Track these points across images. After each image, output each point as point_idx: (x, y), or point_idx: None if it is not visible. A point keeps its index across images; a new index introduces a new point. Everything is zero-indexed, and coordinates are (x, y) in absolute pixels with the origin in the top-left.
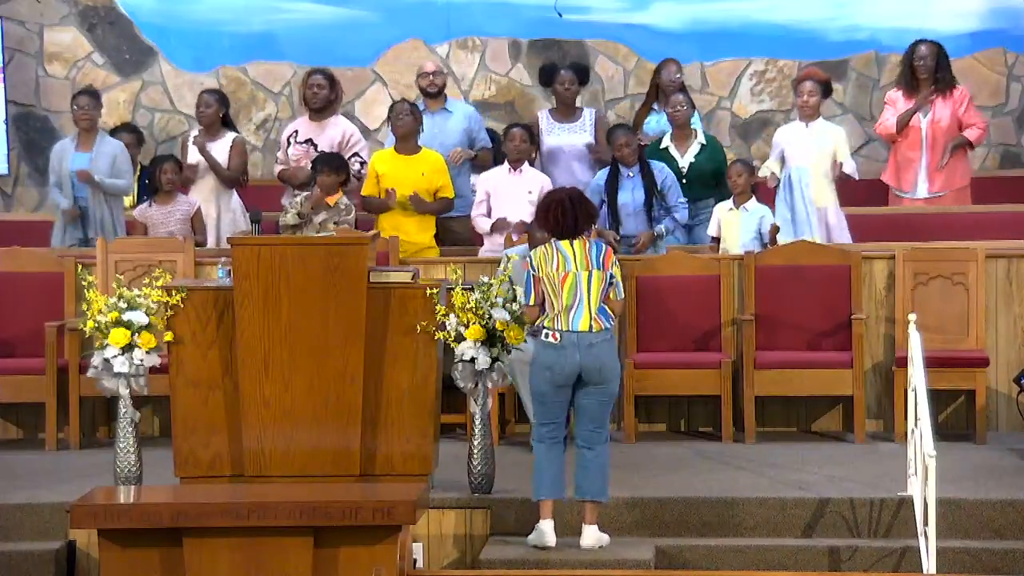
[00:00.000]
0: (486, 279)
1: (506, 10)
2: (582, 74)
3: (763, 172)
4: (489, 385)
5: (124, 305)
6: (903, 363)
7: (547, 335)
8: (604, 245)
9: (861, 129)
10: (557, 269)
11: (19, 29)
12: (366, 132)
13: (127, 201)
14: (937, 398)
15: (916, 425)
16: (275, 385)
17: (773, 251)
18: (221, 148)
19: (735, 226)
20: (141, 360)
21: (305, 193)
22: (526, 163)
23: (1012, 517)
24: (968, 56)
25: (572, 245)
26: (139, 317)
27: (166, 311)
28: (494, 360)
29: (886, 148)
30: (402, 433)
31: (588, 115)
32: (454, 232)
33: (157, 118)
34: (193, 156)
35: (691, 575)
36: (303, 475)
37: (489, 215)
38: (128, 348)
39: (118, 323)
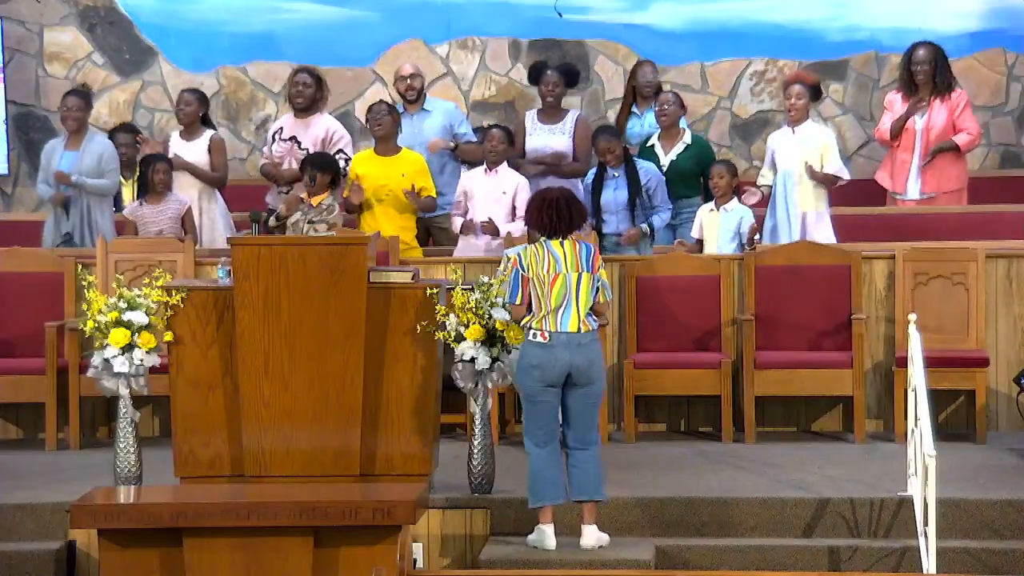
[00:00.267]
0: (486, 279)
1: (506, 10)
2: (570, 76)
3: (761, 181)
4: (489, 385)
5: (124, 305)
6: (903, 363)
7: (535, 335)
8: (593, 247)
9: (861, 129)
10: (547, 270)
11: (19, 29)
12: (366, 132)
13: (127, 196)
14: (937, 398)
15: (916, 425)
16: (275, 385)
17: (773, 251)
18: (199, 147)
19: (714, 227)
20: (141, 360)
21: (294, 195)
22: (504, 164)
23: (1012, 517)
24: (968, 56)
25: (563, 246)
26: (139, 317)
27: (166, 311)
28: (494, 360)
29: (886, 149)
30: (402, 433)
31: (571, 118)
32: (447, 231)
33: (157, 118)
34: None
35: (691, 575)
36: (303, 475)
37: (465, 215)
38: (128, 348)
39: (118, 323)
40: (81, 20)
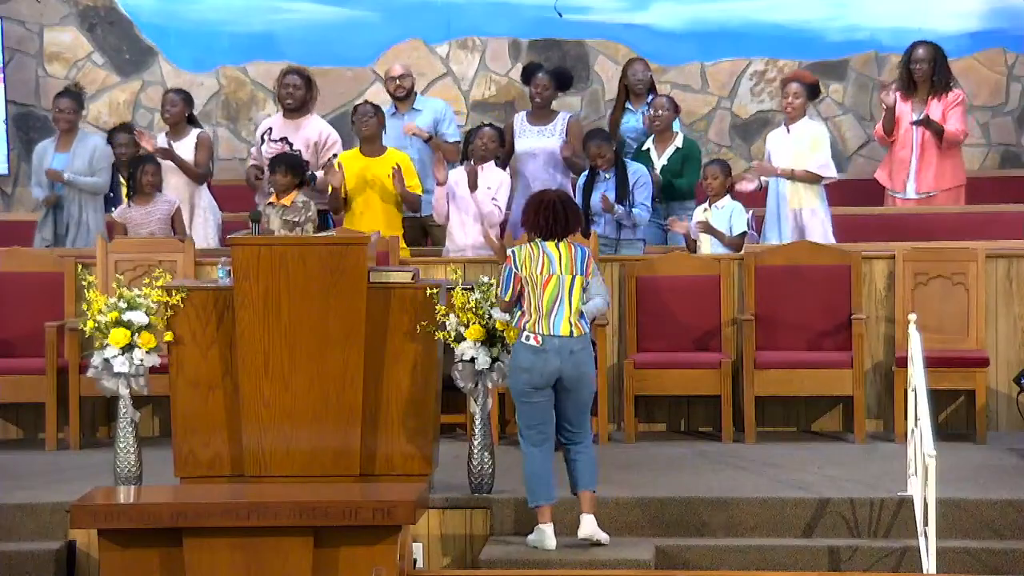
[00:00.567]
0: (486, 279)
1: (506, 10)
2: (562, 80)
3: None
4: (489, 385)
5: (124, 305)
6: (903, 363)
7: (528, 337)
8: (588, 250)
9: (861, 129)
10: (541, 271)
11: (19, 29)
12: None
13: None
14: (937, 398)
15: (916, 425)
16: (275, 385)
17: (773, 251)
18: (187, 146)
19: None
20: (141, 360)
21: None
22: (492, 162)
23: (1012, 517)
24: (968, 56)
25: (558, 247)
26: (139, 317)
27: (166, 311)
28: (494, 360)
29: (886, 148)
30: (402, 433)
31: (561, 120)
32: (443, 229)
33: (157, 118)
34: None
35: (691, 575)
36: (303, 475)
37: (447, 212)
38: (128, 348)
39: (118, 323)
40: (81, 20)
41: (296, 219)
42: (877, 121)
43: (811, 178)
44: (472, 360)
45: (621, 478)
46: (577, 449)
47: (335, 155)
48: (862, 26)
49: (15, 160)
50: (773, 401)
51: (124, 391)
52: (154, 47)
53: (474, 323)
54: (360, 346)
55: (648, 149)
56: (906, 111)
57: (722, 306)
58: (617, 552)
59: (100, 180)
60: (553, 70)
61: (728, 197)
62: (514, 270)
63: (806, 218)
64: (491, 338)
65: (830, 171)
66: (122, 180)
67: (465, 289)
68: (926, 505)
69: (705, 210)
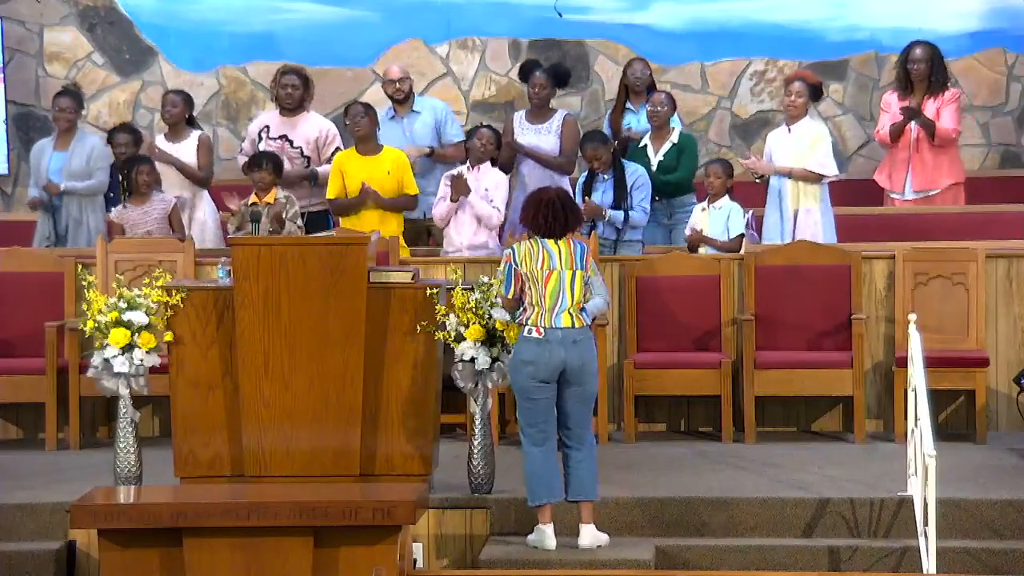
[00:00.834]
0: (486, 279)
1: (506, 10)
2: (559, 78)
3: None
4: (489, 385)
5: (124, 305)
6: (903, 363)
7: (531, 331)
8: (587, 246)
9: (861, 129)
10: (541, 267)
11: (19, 29)
12: None
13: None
14: (937, 398)
15: (916, 425)
16: (275, 385)
17: (773, 251)
18: (187, 147)
19: (705, 224)
20: (141, 360)
21: (244, 200)
22: (488, 163)
23: (1012, 517)
24: (968, 56)
25: (558, 243)
26: (139, 317)
27: (166, 311)
28: (494, 360)
29: (886, 148)
30: (402, 433)
31: (558, 118)
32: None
33: (157, 118)
34: (160, 158)
35: (691, 575)
36: (303, 475)
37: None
38: (128, 348)
39: (118, 323)
40: (81, 20)
41: (283, 214)
42: (877, 121)
43: (811, 177)
44: (472, 360)
45: (621, 478)
46: (579, 456)
47: (337, 149)
48: (862, 26)
49: (15, 160)
50: (773, 401)
51: (124, 391)
52: (154, 47)
53: (474, 323)
54: (360, 346)
55: (645, 145)
56: (909, 119)
57: (722, 306)
58: (617, 552)
59: (96, 182)
60: (550, 67)
61: (727, 197)
62: (514, 266)
63: (807, 218)
64: (491, 338)
65: (830, 169)
66: (122, 180)
67: (465, 289)
68: (926, 505)
69: (703, 209)
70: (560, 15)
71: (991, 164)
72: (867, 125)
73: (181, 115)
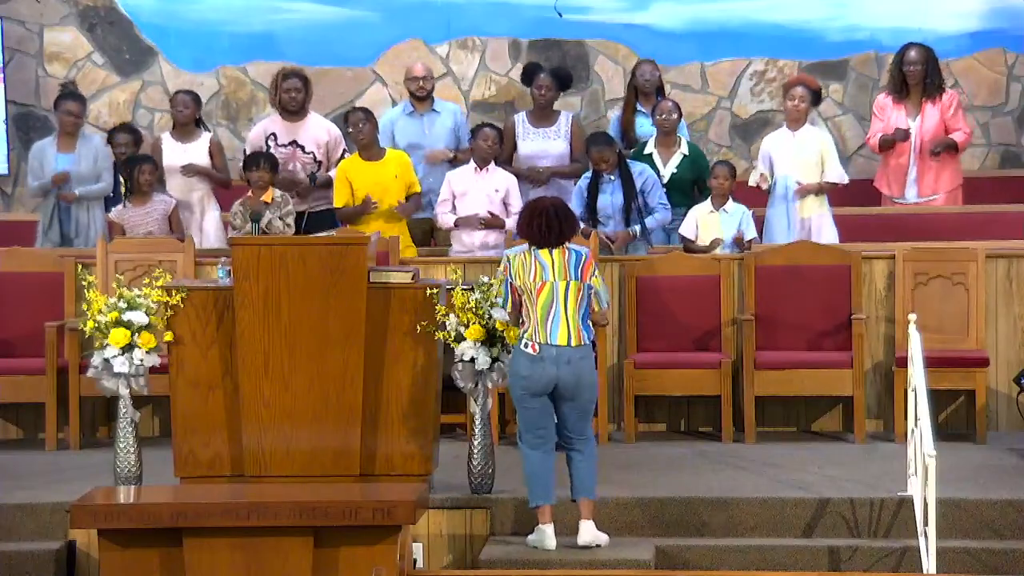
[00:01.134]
0: (486, 279)
1: (506, 10)
2: (563, 79)
3: (754, 179)
4: (489, 385)
5: (124, 305)
6: (903, 363)
7: (527, 345)
8: (584, 254)
9: (861, 129)
10: (534, 279)
11: (19, 29)
12: None
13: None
14: (937, 398)
15: (916, 425)
16: (275, 385)
17: (773, 251)
18: (199, 148)
19: (715, 228)
20: (141, 360)
21: (241, 199)
22: (492, 163)
23: (1012, 517)
24: (968, 56)
25: (551, 254)
26: (139, 317)
27: (166, 311)
28: (494, 360)
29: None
30: (402, 433)
31: (565, 121)
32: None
33: (157, 118)
34: (168, 158)
35: (691, 575)
36: (303, 475)
37: (452, 212)
38: (128, 348)
39: (118, 323)
40: (81, 20)
41: (280, 215)
42: (871, 124)
43: (830, 188)
44: (472, 360)
45: (621, 478)
46: (579, 456)
47: (343, 151)
48: (862, 26)
49: (15, 160)
50: (773, 401)
51: (124, 391)
52: (154, 47)
53: (474, 323)
54: (360, 346)
55: (651, 154)
56: (900, 115)
57: (722, 306)
58: (617, 552)
59: (106, 184)
60: (553, 70)
61: (731, 200)
62: (509, 279)
63: (816, 225)
64: (491, 338)
65: (844, 178)
66: (122, 180)
67: (465, 289)
68: (926, 505)
69: (711, 212)
70: (560, 15)
71: (991, 164)
72: (867, 125)
73: (192, 116)
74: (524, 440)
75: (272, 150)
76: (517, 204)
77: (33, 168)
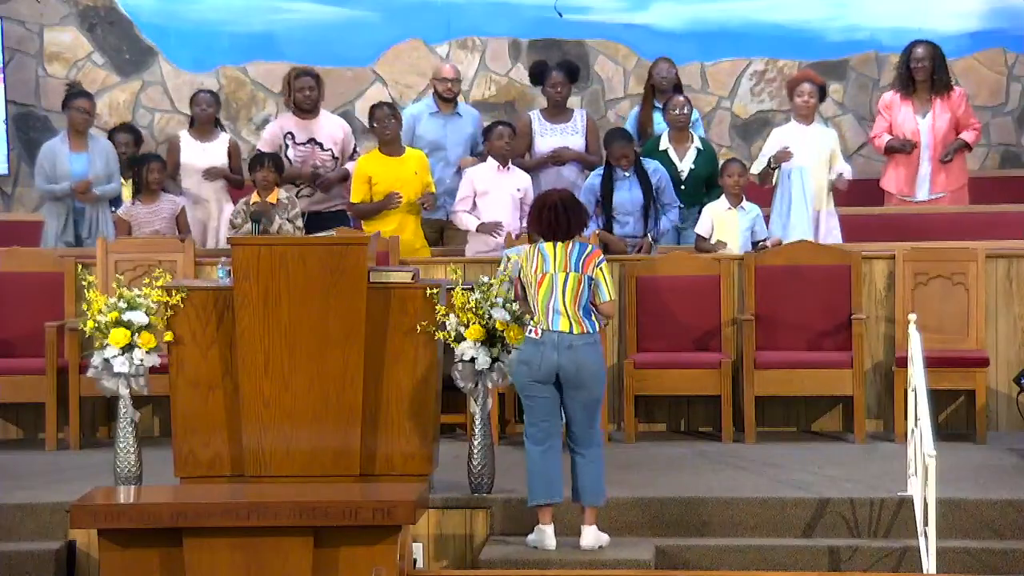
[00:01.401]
0: (486, 279)
1: (506, 10)
2: (572, 74)
3: (758, 168)
4: (489, 385)
5: (124, 305)
6: (903, 363)
7: (530, 331)
8: (589, 247)
9: (861, 129)
10: (535, 270)
11: (19, 29)
12: (366, 131)
13: (126, 196)
14: (937, 398)
15: (916, 425)
16: (275, 385)
17: (773, 251)
18: (218, 148)
19: (732, 226)
20: (141, 360)
21: (245, 199)
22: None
23: (1012, 517)
24: (968, 56)
25: (555, 247)
26: (139, 317)
27: (166, 311)
28: (494, 360)
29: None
30: (402, 433)
31: (579, 116)
32: (459, 233)
33: (157, 118)
34: (186, 156)
35: (691, 575)
36: (303, 475)
37: (473, 210)
38: (128, 348)
39: (118, 323)
40: (81, 20)
41: (288, 217)
42: (875, 122)
43: (845, 184)
44: (472, 360)
45: (621, 478)
46: (582, 461)
47: (356, 147)
48: (862, 26)
49: (15, 160)
50: (773, 401)
51: (124, 391)
52: (154, 47)
53: (474, 323)
54: (360, 346)
55: (666, 150)
56: (907, 112)
57: (722, 306)
58: (617, 552)
59: (117, 185)
60: (561, 65)
61: (744, 198)
62: (513, 275)
63: (827, 219)
64: (491, 338)
65: (850, 172)
66: (122, 180)
67: (465, 289)
68: (926, 505)
69: (728, 209)
70: (560, 15)
71: (991, 164)
72: (867, 125)
73: (213, 115)
74: (527, 435)
75: (290, 149)
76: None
77: (43, 168)
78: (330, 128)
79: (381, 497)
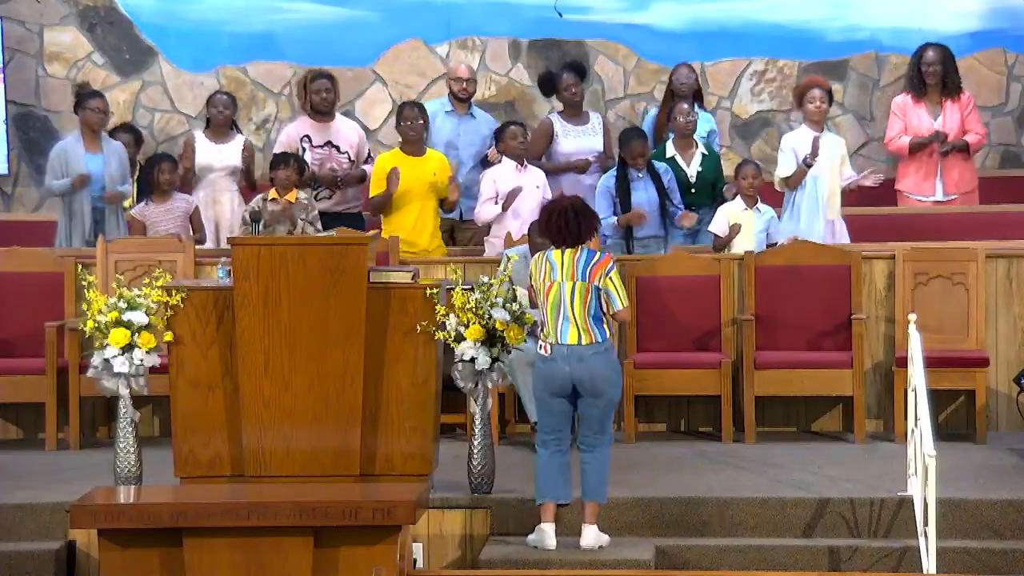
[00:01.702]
0: (486, 279)
1: (506, 10)
2: (581, 72)
3: (787, 172)
4: (489, 385)
5: (124, 305)
6: (903, 363)
7: (541, 347)
8: (598, 255)
9: (861, 129)
10: (544, 279)
11: (19, 29)
12: (366, 132)
13: (126, 202)
14: (937, 398)
15: (916, 425)
16: (275, 385)
17: (773, 251)
18: (233, 150)
19: (748, 227)
20: (141, 360)
21: (261, 196)
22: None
23: (1012, 517)
24: (968, 56)
25: (563, 254)
26: (139, 317)
27: (166, 311)
28: (494, 360)
29: (885, 151)
30: (402, 433)
31: (596, 119)
32: (469, 232)
33: (157, 118)
34: (201, 157)
35: (691, 575)
36: (303, 475)
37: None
38: (128, 348)
39: (118, 323)
40: (81, 20)
41: (304, 216)
42: (877, 121)
43: (852, 187)
44: (472, 360)
45: (621, 478)
46: (588, 458)
47: (370, 151)
48: (862, 26)
49: (15, 160)
50: (773, 401)
51: (124, 391)
52: (154, 47)
53: (474, 323)
54: (360, 346)
55: (673, 156)
56: (921, 114)
57: (722, 306)
58: (617, 552)
59: (128, 187)
60: (570, 66)
61: (759, 200)
62: (528, 280)
63: (839, 228)
64: (491, 338)
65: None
66: (131, 180)
67: (465, 289)
68: (926, 505)
69: (744, 210)
70: (560, 15)
71: (991, 164)
72: (867, 125)
73: (229, 117)
74: (539, 441)
75: (308, 152)
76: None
77: (56, 168)
78: (346, 131)
79: (381, 497)
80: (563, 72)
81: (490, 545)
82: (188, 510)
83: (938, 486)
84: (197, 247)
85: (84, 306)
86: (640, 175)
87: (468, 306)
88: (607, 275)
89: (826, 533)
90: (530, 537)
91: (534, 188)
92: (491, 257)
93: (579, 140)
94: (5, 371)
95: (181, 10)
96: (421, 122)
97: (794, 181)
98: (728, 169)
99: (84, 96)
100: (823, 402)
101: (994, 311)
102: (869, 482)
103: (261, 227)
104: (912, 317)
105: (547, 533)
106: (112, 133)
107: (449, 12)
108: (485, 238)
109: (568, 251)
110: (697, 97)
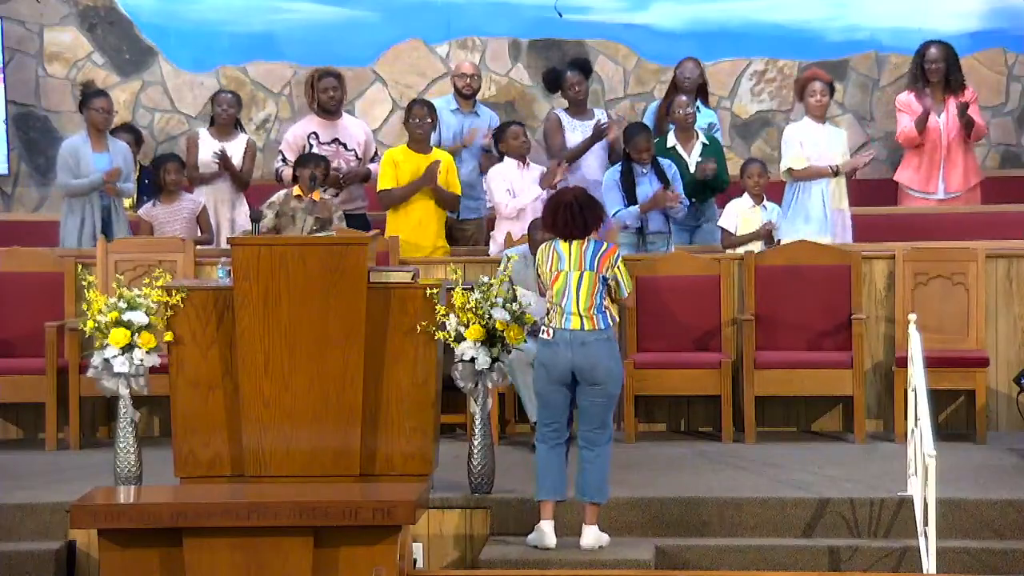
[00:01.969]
0: (486, 279)
1: (506, 10)
2: (585, 70)
3: (797, 165)
4: (489, 385)
5: (124, 305)
6: (903, 363)
7: (543, 331)
8: (605, 245)
9: (861, 129)
10: (551, 268)
11: (19, 29)
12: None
13: (127, 202)
14: (937, 398)
15: (916, 425)
16: (275, 385)
17: (773, 251)
18: (236, 148)
19: (756, 223)
20: (141, 360)
21: (285, 192)
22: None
23: (1012, 517)
24: (968, 56)
25: (570, 245)
26: (139, 317)
27: (166, 311)
28: (494, 360)
29: (887, 148)
30: (402, 433)
31: (600, 114)
32: (467, 232)
33: (157, 118)
34: (205, 154)
35: (691, 575)
36: (303, 475)
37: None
38: (128, 348)
39: (118, 323)
40: (81, 20)
41: (325, 216)
42: (877, 121)
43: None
44: (472, 360)
45: (621, 478)
46: (589, 457)
47: (376, 149)
48: (862, 26)
49: (15, 160)
50: (773, 401)
51: (124, 391)
52: (154, 47)
53: (474, 323)
54: (360, 346)
55: (674, 147)
56: (927, 113)
57: (722, 306)
58: (617, 552)
59: (132, 186)
60: (573, 63)
61: (765, 197)
62: (535, 271)
63: (842, 217)
64: (491, 338)
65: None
66: (133, 180)
67: (465, 289)
68: (926, 505)
69: (752, 207)
70: (560, 15)
71: (991, 164)
72: (867, 125)
73: (234, 116)
74: (539, 434)
75: (315, 149)
76: None
77: (67, 165)
78: (353, 129)
79: (381, 497)
80: (568, 70)
81: (490, 545)
82: (188, 510)
83: (938, 486)
84: (198, 247)
85: (84, 306)
86: (645, 170)
87: (468, 306)
88: (615, 264)
89: (826, 533)
90: (530, 537)
91: (536, 186)
92: (492, 257)
93: (585, 134)
94: (5, 371)
95: (181, 10)
96: (429, 121)
97: (806, 175)
98: (731, 168)
99: (89, 96)
100: (823, 402)
101: (994, 311)
102: (869, 482)
103: (274, 217)
104: (912, 317)
105: (546, 532)
106: (112, 133)
107: (449, 12)
108: (491, 233)
109: (576, 242)
110: (702, 93)
